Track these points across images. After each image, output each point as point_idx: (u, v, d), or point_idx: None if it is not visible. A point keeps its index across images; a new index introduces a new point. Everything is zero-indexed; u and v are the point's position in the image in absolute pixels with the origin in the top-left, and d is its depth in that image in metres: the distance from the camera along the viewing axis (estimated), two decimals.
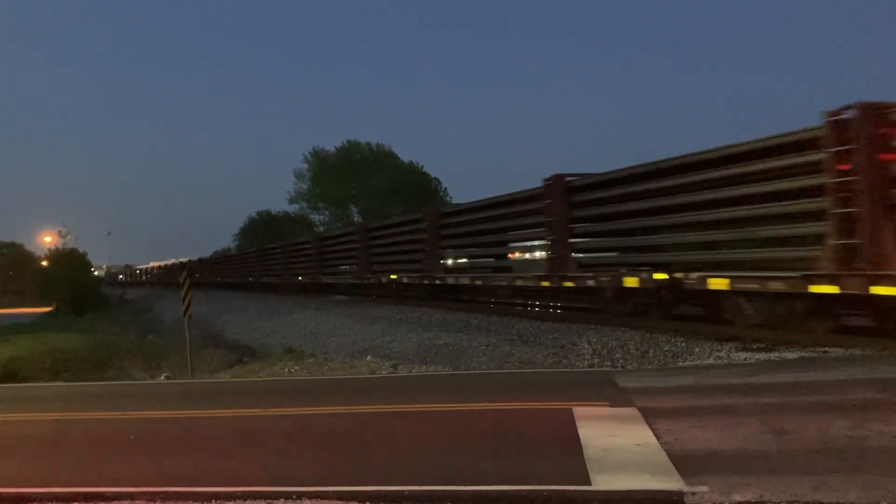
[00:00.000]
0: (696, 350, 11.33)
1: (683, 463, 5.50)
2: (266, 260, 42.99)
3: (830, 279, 9.86)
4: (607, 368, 10.90)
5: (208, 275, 58.60)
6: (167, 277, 73.21)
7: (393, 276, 24.27)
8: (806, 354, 10.09)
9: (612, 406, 7.61)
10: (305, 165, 60.70)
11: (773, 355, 10.27)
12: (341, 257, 30.49)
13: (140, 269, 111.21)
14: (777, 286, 10.66)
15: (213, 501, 5.52)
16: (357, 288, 29.37)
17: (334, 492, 5.50)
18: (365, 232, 27.60)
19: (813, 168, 10.21)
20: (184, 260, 79.48)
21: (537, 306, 18.16)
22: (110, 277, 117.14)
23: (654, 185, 13.28)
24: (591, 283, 14.74)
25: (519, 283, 17.98)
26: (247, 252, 51.59)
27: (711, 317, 12.76)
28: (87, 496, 5.85)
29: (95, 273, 65.98)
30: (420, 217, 23.14)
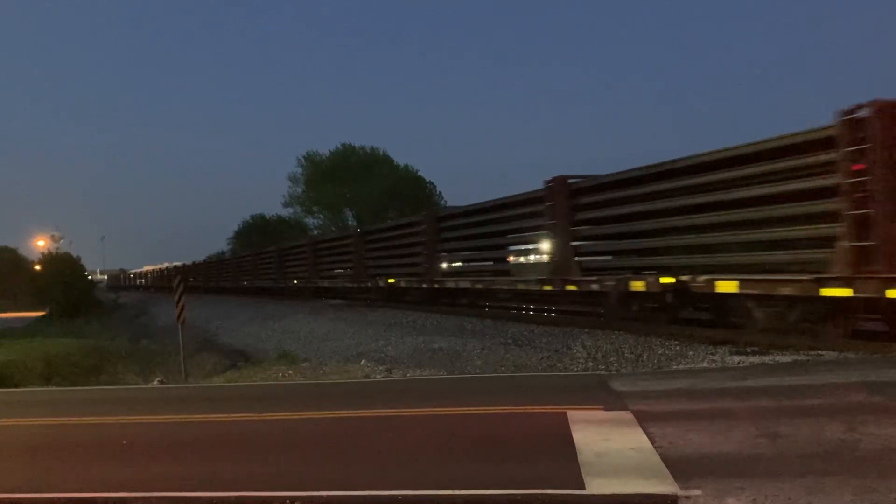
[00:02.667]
0: (691, 353, 11.34)
1: (677, 467, 5.49)
2: (251, 265, 44.84)
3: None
4: (602, 372, 10.90)
5: (202, 279, 58.48)
6: (161, 281, 73.04)
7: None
8: (800, 358, 10.11)
9: (606, 410, 7.60)
10: (299, 169, 60.73)
11: (768, 359, 10.29)
12: (298, 265, 36.51)
13: (134, 274, 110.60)
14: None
15: None
16: (308, 290, 35.91)
17: (327, 496, 5.48)
18: (313, 245, 34.35)
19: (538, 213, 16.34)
20: (178, 264, 79.35)
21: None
22: (112, 281, 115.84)
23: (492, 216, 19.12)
24: (450, 285, 20.96)
25: (402, 285, 24.35)
26: (227, 259, 52.88)
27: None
28: (79, 502, 5.82)
29: (90, 277, 65.66)
30: (350, 234, 29.47)
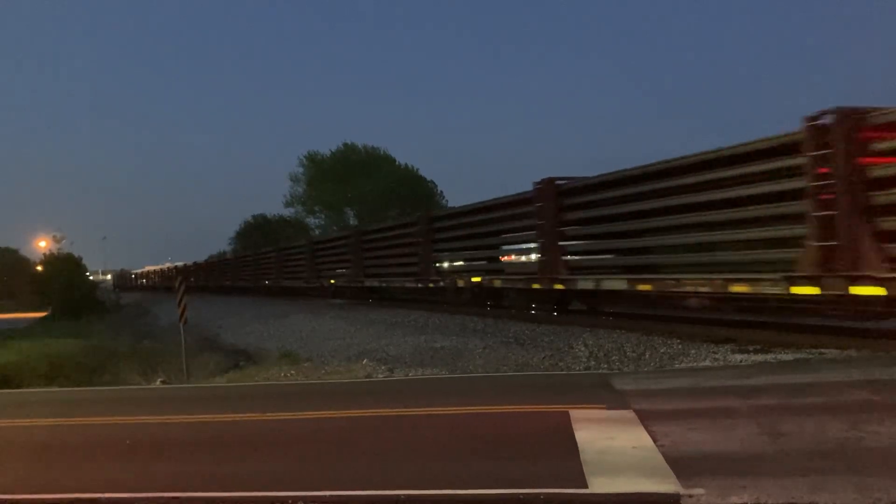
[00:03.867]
0: (693, 352, 11.33)
1: (680, 465, 5.49)
2: (275, 263, 42.54)
3: None
4: (603, 371, 10.89)
5: (204, 279, 58.47)
6: (163, 281, 73.04)
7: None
8: (802, 356, 10.10)
9: (608, 409, 7.60)
10: (301, 169, 60.68)
11: (770, 357, 10.28)
12: (336, 261, 33.96)
13: (135, 274, 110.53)
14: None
15: None
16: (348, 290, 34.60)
17: (330, 496, 5.48)
18: (358, 236, 31.90)
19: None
20: (179, 264, 79.33)
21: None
22: (118, 281, 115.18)
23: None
24: (586, 285, 16.28)
25: (497, 284, 20.62)
26: (245, 255, 51.87)
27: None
28: (81, 502, 5.83)
29: (92, 278, 65.83)
30: (413, 221, 25.55)
